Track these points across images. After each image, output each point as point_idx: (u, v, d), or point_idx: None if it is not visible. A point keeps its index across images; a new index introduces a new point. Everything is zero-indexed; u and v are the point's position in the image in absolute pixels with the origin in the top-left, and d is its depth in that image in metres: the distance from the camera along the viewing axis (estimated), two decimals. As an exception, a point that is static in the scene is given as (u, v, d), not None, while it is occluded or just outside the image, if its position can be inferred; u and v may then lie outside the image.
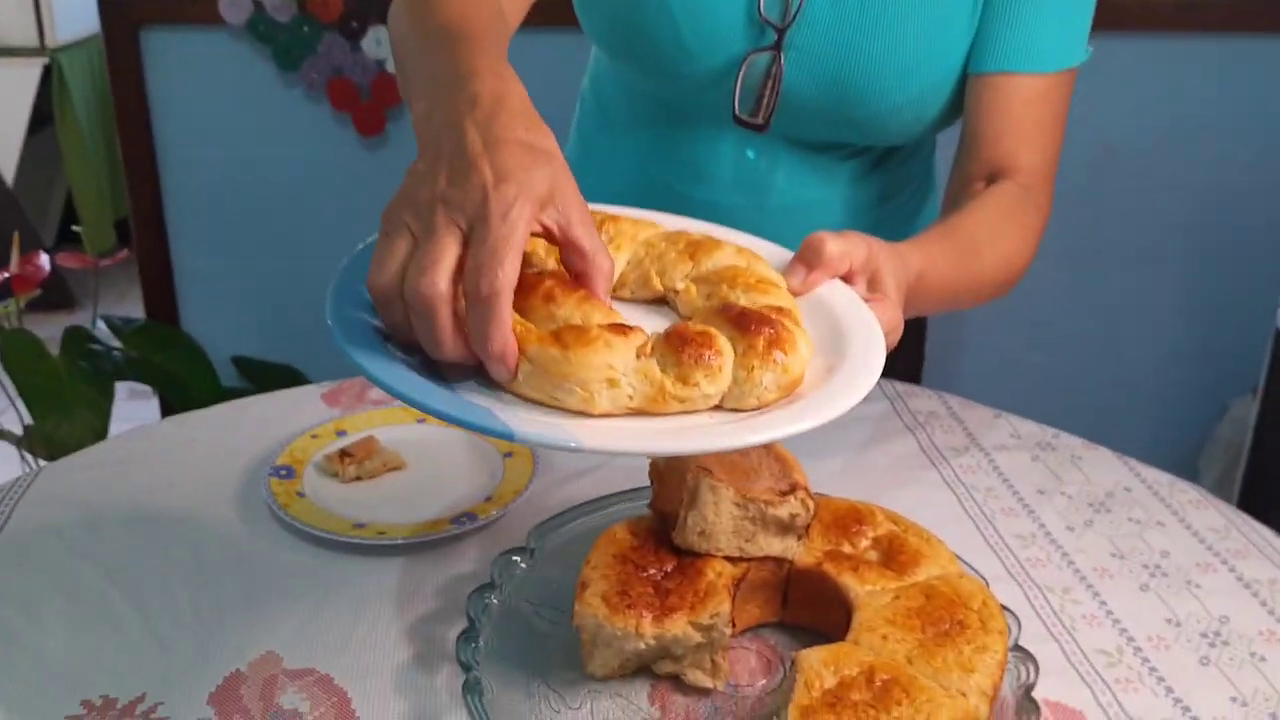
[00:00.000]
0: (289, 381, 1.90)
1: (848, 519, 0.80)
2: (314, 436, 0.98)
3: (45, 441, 1.63)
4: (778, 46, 0.97)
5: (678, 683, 0.74)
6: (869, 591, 0.74)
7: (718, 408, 0.63)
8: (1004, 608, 0.74)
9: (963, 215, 0.93)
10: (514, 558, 0.81)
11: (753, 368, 0.62)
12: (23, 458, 1.93)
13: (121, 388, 1.80)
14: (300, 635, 0.78)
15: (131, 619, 0.79)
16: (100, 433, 1.64)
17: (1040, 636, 0.80)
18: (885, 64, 0.97)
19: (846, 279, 0.75)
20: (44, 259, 1.76)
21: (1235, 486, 1.74)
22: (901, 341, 0.85)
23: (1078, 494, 0.97)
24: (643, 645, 0.71)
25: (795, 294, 0.72)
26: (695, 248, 0.73)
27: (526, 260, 0.64)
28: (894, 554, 0.77)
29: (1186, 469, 2.05)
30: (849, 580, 0.75)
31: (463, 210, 0.59)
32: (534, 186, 0.60)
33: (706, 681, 0.73)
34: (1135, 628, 0.81)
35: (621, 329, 0.62)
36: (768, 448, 0.80)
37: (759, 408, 0.62)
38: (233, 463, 0.97)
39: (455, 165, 0.61)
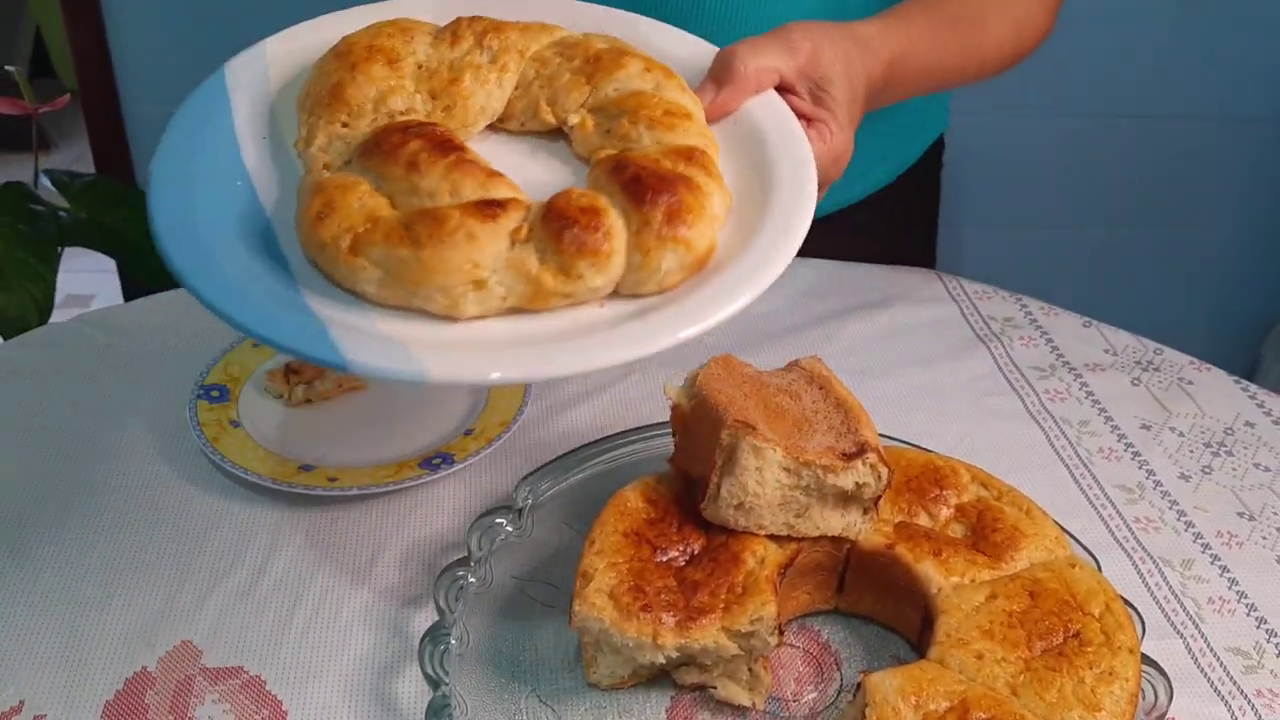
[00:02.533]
0: (259, 246, 1.71)
1: (925, 480, 0.63)
2: (255, 345, 0.80)
3: (-18, 316, 1.45)
4: None
5: (705, 696, 0.58)
6: (956, 586, 0.57)
7: (614, 293, 0.51)
8: (1128, 605, 0.57)
9: None
10: (498, 519, 0.64)
11: (649, 250, 0.50)
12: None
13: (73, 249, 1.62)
14: (225, 620, 0.61)
15: (11, 599, 0.62)
16: (43, 306, 1.45)
17: (1159, 630, 0.63)
18: None
19: (785, 89, 0.62)
20: (-25, 105, 1.54)
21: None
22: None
23: (1191, 430, 0.79)
24: (662, 657, 0.55)
25: (709, 119, 0.59)
26: (593, 66, 0.59)
27: (392, 102, 0.56)
28: (985, 530, 0.60)
29: (1246, 355, 1.87)
30: (930, 569, 0.58)
31: None
32: None
33: (743, 697, 0.57)
34: (1275, 616, 0.65)
35: (490, 209, 0.50)
36: (825, 388, 0.62)
37: (661, 292, 0.51)
38: (155, 378, 0.79)
39: None
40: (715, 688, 0.57)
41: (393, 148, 0.52)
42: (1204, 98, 1.75)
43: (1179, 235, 1.85)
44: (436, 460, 0.70)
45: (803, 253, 0.53)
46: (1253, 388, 0.85)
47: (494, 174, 0.52)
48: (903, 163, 1.05)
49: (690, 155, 0.54)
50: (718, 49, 0.62)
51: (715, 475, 0.58)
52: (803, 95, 0.63)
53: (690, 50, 0.63)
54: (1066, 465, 0.76)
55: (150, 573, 0.64)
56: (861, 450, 0.58)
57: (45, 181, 1.62)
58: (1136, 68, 1.72)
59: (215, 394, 0.75)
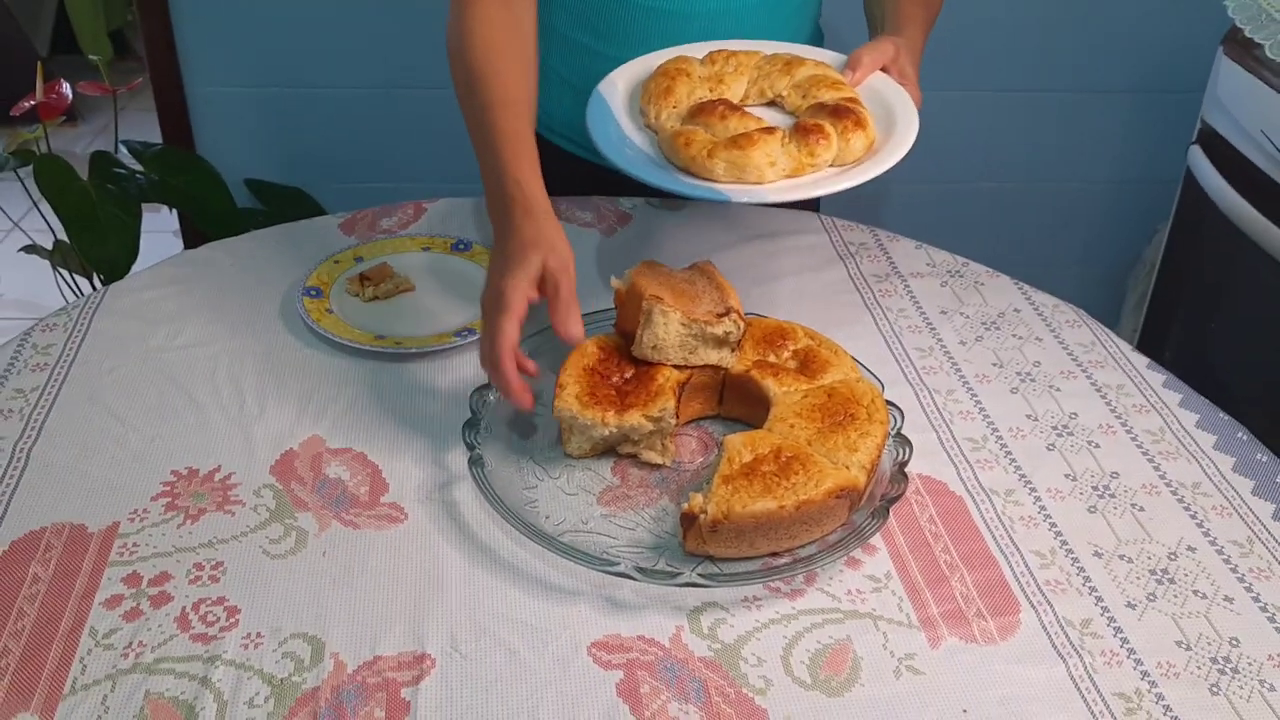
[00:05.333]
0: (298, 202, 2.07)
1: (774, 335, 1.00)
2: (336, 262, 1.16)
3: (84, 259, 1.81)
4: None
5: (635, 460, 0.95)
6: (785, 391, 0.95)
7: (831, 164, 1.03)
8: (890, 403, 0.95)
9: None
10: (506, 364, 1.00)
11: (849, 140, 1.02)
12: (55, 271, 2.11)
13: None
14: (338, 424, 0.98)
15: (202, 410, 0.99)
16: (132, 250, 1.80)
17: (922, 427, 1.01)
18: None
19: (884, 70, 1.13)
20: (66, 87, 1.89)
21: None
22: None
23: (974, 314, 1.17)
24: (607, 432, 0.92)
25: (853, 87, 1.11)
26: (788, 66, 1.12)
27: (694, 94, 1.10)
28: (808, 363, 0.98)
29: (1116, 287, 2.25)
30: (770, 383, 0.95)
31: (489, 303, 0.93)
32: (527, 270, 0.91)
33: (657, 459, 0.94)
34: (1000, 421, 1.02)
35: (769, 130, 1.02)
36: (710, 278, 0.99)
37: (855, 162, 1.03)
38: (269, 283, 1.16)
39: (493, 266, 0.95)
40: (641, 454, 0.94)
41: (711, 110, 1.05)
42: (1076, 74, 2.11)
43: (1058, 188, 2.22)
44: (464, 332, 1.07)
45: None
46: (1027, 287, 1.22)
47: (761, 119, 1.04)
48: None
49: (853, 100, 1.06)
50: (845, 55, 1.13)
51: (639, 329, 0.95)
52: (893, 73, 1.12)
53: (828, 56, 1.15)
54: (884, 336, 1.13)
55: (287, 397, 1.01)
56: (728, 311, 0.95)
57: (123, 149, 1.97)
58: (1020, 50, 2.08)
59: (314, 292, 1.12)
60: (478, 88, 1.02)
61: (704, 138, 1.01)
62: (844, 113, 1.03)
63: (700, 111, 1.05)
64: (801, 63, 1.12)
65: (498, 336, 0.89)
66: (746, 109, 1.08)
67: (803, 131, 1.01)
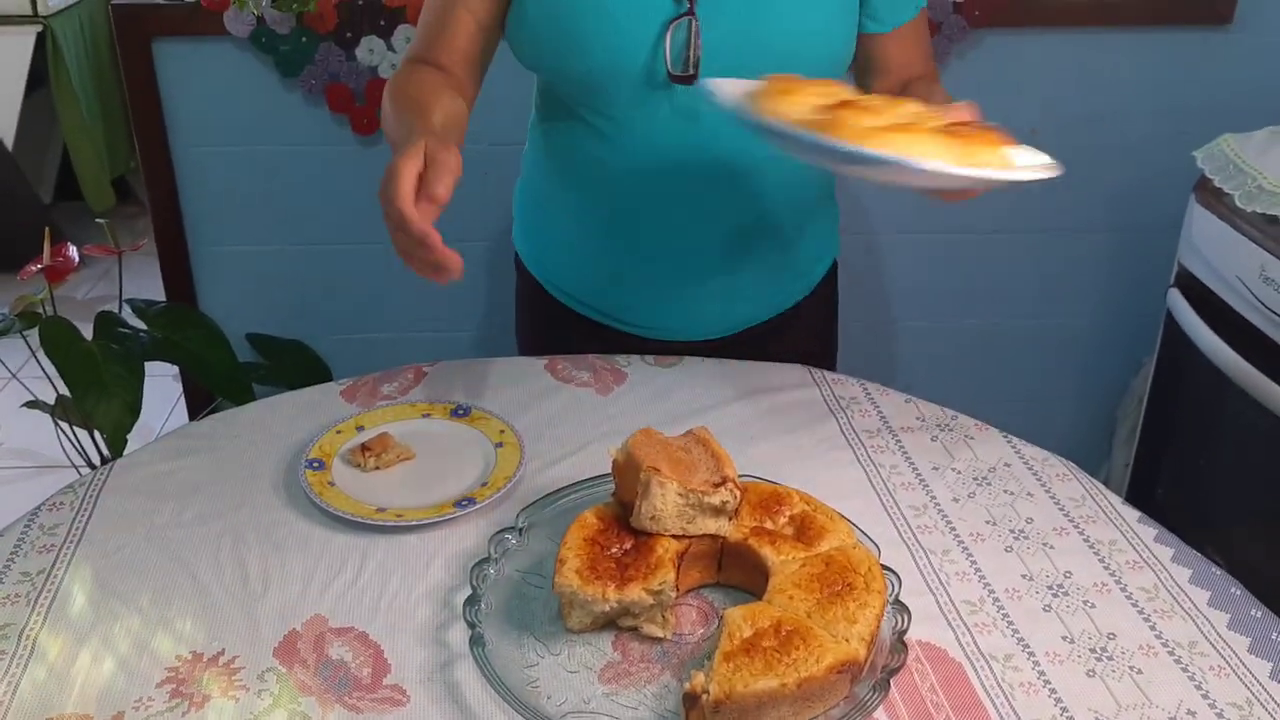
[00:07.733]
0: (298, 354, 2.10)
1: (770, 500, 1.02)
2: (338, 432, 1.19)
3: (87, 417, 1.83)
4: (691, 12, 1.20)
5: (636, 633, 0.96)
6: (782, 560, 0.96)
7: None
8: (887, 569, 0.96)
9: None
10: (506, 535, 1.02)
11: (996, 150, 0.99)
12: (56, 424, 2.13)
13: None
14: (340, 601, 0.99)
15: (206, 589, 1.00)
16: (134, 408, 1.83)
17: (919, 590, 1.02)
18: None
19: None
20: (72, 250, 1.94)
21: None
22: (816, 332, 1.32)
23: (965, 470, 1.19)
24: (608, 607, 0.93)
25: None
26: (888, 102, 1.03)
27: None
28: (805, 529, 0.99)
29: (1106, 419, 2.28)
30: (768, 551, 0.96)
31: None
32: (415, 147, 1.01)
33: (658, 632, 0.95)
34: (996, 582, 1.03)
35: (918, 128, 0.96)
36: (705, 445, 1.01)
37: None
38: (272, 455, 1.18)
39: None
40: (642, 628, 0.95)
41: (852, 103, 1.00)
42: (1058, 215, 2.18)
43: (1044, 324, 2.26)
44: (464, 502, 1.09)
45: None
46: (1016, 440, 1.24)
47: None
48: (807, 286, 1.47)
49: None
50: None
51: (637, 500, 0.96)
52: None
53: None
54: (878, 493, 1.15)
55: (290, 573, 1.02)
56: (724, 481, 0.97)
57: (127, 308, 2.01)
58: (999, 195, 2.15)
59: (316, 465, 1.13)
60: (406, 98, 1.17)
61: (855, 121, 0.94)
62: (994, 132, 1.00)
63: (836, 109, 0.97)
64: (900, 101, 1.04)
65: (393, 180, 0.98)
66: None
67: (954, 133, 0.96)
